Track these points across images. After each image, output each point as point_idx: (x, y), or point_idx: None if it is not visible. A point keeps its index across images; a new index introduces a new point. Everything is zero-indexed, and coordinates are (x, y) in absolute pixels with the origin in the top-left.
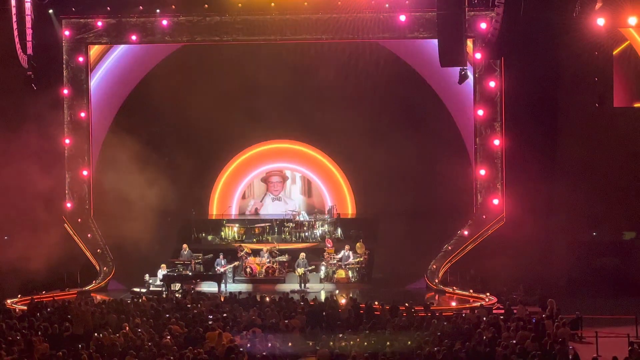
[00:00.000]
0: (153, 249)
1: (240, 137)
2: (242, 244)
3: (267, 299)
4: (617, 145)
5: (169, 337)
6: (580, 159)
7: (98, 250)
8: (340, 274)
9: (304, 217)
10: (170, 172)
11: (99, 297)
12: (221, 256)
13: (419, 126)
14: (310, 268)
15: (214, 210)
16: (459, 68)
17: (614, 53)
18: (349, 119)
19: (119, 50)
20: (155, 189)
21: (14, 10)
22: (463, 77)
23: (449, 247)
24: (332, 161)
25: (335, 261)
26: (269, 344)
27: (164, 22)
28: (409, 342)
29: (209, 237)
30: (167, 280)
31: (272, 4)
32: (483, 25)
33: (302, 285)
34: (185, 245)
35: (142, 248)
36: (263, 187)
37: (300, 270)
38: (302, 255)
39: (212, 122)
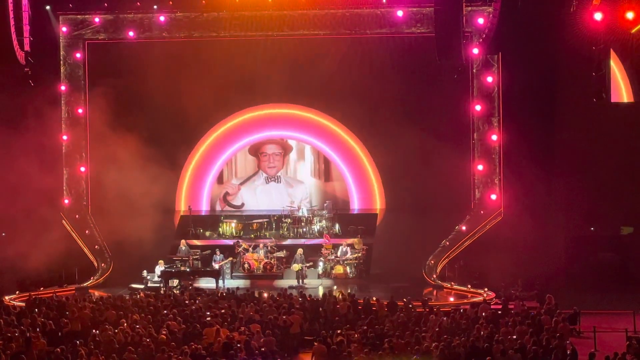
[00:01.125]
0: (151, 245)
1: (225, 102)
2: (240, 240)
3: (265, 294)
4: (614, 140)
5: (164, 333)
6: (578, 154)
7: (96, 247)
8: (338, 269)
9: (302, 212)
10: (169, 168)
11: (97, 294)
12: (217, 252)
13: (417, 121)
14: (308, 264)
15: (182, 204)
16: (456, 63)
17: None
18: (345, 116)
19: None
20: (154, 184)
21: (11, 7)
22: (460, 72)
23: (447, 243)
24: (358, 140)
25: (333, 257)
26: (267, 340)
27: (162, 18)
28: (408, 338)
29: (207, 233)
30: (165, 276)
31: (270, 0)
32: (480, 21)
33: (300, 281)
34: (183, 241)
35: (140, 244)
36: (250, 164)
37: (297, 266)
38: (300, 251)
39: (206, 108)
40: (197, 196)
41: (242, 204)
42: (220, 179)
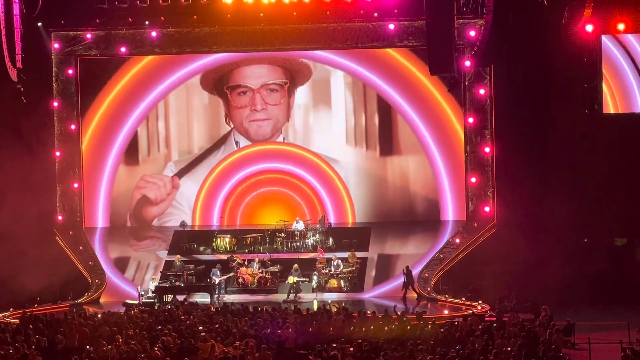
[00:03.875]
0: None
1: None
2: (234, 255)
3: (260, 309)
4: (606, 152)
5: (156, 348)
6: (571, 165)
7: (90, 263)
8: (333, 283)
9: (299, 226)
10: None
11: (91, 310)
12: (218, 267)
13: (409, 134)
14: (303, 279)
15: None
16: (448, 75)
17: None
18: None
19: None
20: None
21: (2, 24)
22: (452, 85)
23: (441, 255)
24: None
25: (327, 270)
26: (262, 355)
27: (153, 34)
28: (402, 351)
29: (201, 248)
30: (159, 292)
31: (261, 15)
32: (472, 33)
33: (294, 294)
34: (178, 257)
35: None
36: (202, 125)
37: (292, 279)
38: (295, 266)
39: None
40: (91, 203)
41: (183, 224)
42: (132, 156)
